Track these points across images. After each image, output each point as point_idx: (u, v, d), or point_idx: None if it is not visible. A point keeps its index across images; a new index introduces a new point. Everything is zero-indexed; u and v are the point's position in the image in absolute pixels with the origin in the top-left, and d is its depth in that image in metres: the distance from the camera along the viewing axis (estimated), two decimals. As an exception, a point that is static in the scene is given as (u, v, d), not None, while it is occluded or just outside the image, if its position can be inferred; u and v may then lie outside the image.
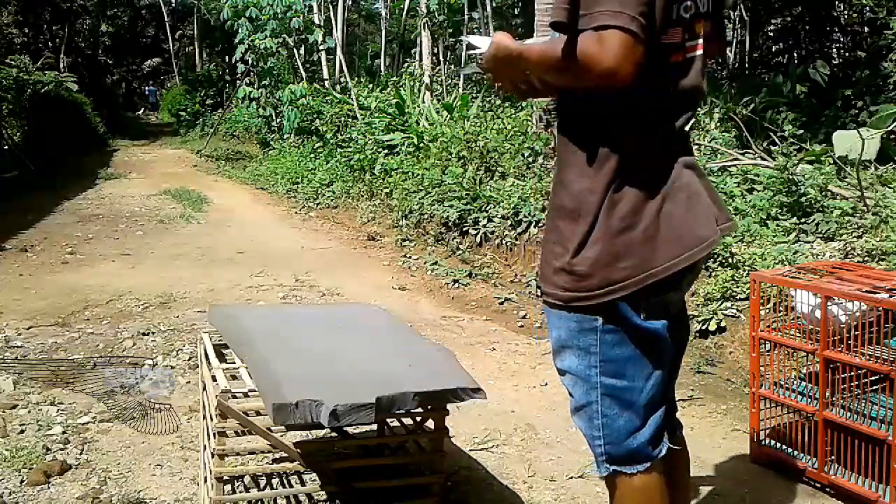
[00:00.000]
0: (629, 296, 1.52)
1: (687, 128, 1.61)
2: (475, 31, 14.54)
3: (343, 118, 11.00)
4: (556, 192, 1.61)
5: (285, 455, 2.12)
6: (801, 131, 6.60)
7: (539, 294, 1.66)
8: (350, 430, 2.40)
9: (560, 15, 1.43)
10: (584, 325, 1.55)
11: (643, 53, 1.37)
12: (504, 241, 5.93)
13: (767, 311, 2.87)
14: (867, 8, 9.40)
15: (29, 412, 3.13)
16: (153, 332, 4.24)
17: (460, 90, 11.01)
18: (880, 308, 2.35)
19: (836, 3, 11.30)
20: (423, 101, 10.28)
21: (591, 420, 1.61)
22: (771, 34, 13.78)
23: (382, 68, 16.16)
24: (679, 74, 1.53)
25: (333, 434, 2.35)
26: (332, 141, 10.45)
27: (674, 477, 1.71)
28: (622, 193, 1.50)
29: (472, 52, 1.93)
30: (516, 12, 15.56)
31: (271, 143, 13.53)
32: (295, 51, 13.98)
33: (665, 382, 1.65)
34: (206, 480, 2.21)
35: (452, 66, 12.96)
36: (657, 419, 1.63)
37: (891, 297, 2.33)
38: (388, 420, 2.37)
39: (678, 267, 1.53)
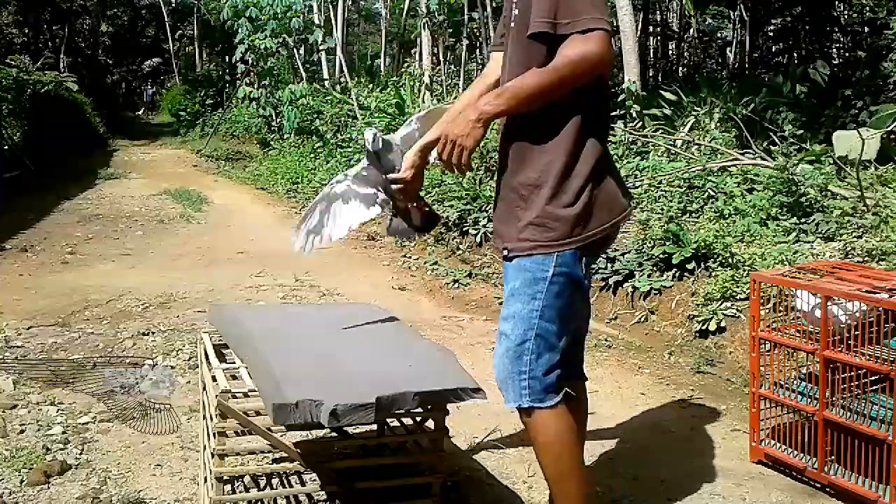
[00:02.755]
0: (577, 249, 1.88)
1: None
2: (474, 31, 14.52)
3: (343, 118, 11.01)
4: (515, 170, 1.91)
5: (285, 455, 2.12)
6: (801, 131, 6.61)
7: (502, 251, 1.96)
8: (350, 430, 2.40)
9: (544, 27, 1.76)
10: (537, 276, 1.88)
11: None
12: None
13: (767, 311, 2.87)
14: (867, 8, 9.40)
15: (29, 412, 3.13)
16: (153, 332, 4.24)
17: (460, 90, 11.01)
18: (880, 308, 2.35)
19: (836, 3, 11.31)
20: (423, 101, 10.29)
21: (521, 357, 1.90)
22: (771, 34, 13.79)
23: (382, 68, 16.16)
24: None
25: (333, 434, 2.35)
26: (332, 141, 10.46)
27: (575, 420, 2.02)
28: (577, 166, 1.86)
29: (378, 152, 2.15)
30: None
31: (271, 143, 13.52)
32: (295, 51, 13.99)
33: (579, 337, 2.11)
34: (206, 480, 2.21)
35: (452, 67, 12.95)
36: (567, 364, 1.99)
37: (891, 297, 2.33)
38: (388, 420, 2.37)
39: (610, 230, 1.93)
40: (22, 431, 2.94)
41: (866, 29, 10.80)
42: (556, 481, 1.96)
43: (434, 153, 2.00)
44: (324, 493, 2.24)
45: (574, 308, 1.96)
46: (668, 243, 4.56)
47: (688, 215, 5.26)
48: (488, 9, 12.55)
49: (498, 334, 1.96)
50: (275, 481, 2.43)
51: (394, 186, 2.15)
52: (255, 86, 14.53)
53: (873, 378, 2.41)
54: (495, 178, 2.10)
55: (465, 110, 1.87)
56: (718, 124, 7.48)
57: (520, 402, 1.92)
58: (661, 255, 4.56)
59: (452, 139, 1.85)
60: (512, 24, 1.90)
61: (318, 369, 2.03)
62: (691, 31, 17.75)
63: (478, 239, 6.20)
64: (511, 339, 1.91)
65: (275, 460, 2.45)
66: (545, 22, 1.76)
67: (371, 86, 12.46)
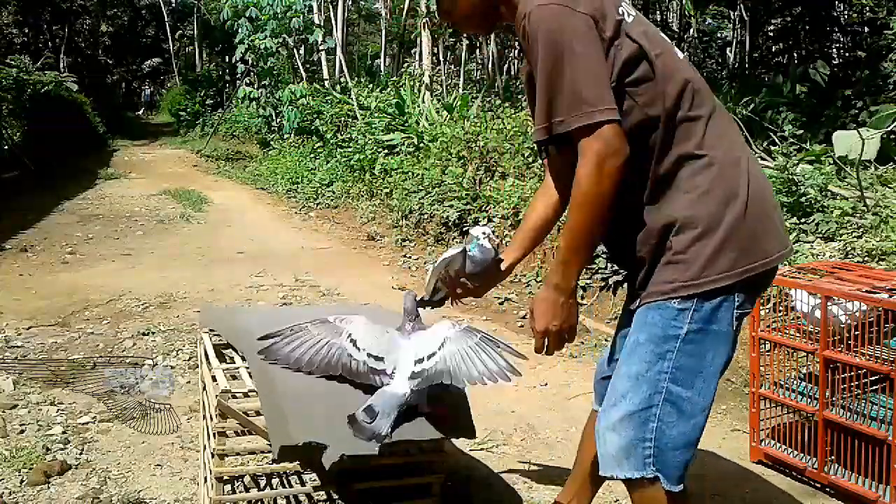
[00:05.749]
0: (726, 291, 1.58)
1: None
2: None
3: (343, 118, 11.00)
4: (654, 229, 1.64)
5: (285, 455, 2.11)
6: (801, 131, 6.60)
7: (635, 306, 1.69)
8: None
9: (540, 135, 1.60)
10: (669, 332, 1.60)
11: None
12: (504, 242, 5.94)
13: (767, 311, 2.87)
14: (867, 8, 9.40)
15: (29, 412, 3.13)
16: (153, 332, 4.24)
17: (460, 90, 11.01)
18: (880, 308, 2.35)
19: (836, 3, 11.30)
20: (423, 101, 10.27)
21: (647, 423, 1.61)
22: (771, 34, 13.77)
23: (382, 68, 16.14)
24: None
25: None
26: (332, 141, 10.45)
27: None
28: (717, 192, 1.60)
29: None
30: (516, 12, 15.52)
31: (271, 143, 13.52)
32: (295, 51, 13.98)
33: None
34: (206, 480, 2.21)
35: (452, 67, 12.93)
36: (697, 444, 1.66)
37: (891, 297, 2.33)
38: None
39: (774, 263, 1.63)
40: (22, 431, 2.94)
41: (866, 29, 10.80)
42: None
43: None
44: (324, 493, 2.24)
45: (718, 375, 1.64)
46: (668, 243, 4.56)
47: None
48: (488, 9, 12.52)
49: (608, 394, 1.70)
50: (275, 481, 2.43)
51: (458, 290, 2.03)
52: (255, 86, 14.54)
53: (873, 378, 2.41)
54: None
55: (545, 299, 1.64)
56: (718, 124, 7.46)
57: (643, 471, 1.61)
58: (661, 255, 4.56)
59: (552, 329, 1.65)
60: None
61: (322, 397, 1.96)
62: (691, 31, 17.75)
63: (478, 239, 6.19)
64: (632, 402, 1.62)
65: (275, 460, 2.45)
66: (541, 128, 1.60)
67: (371, 86, 12.44)
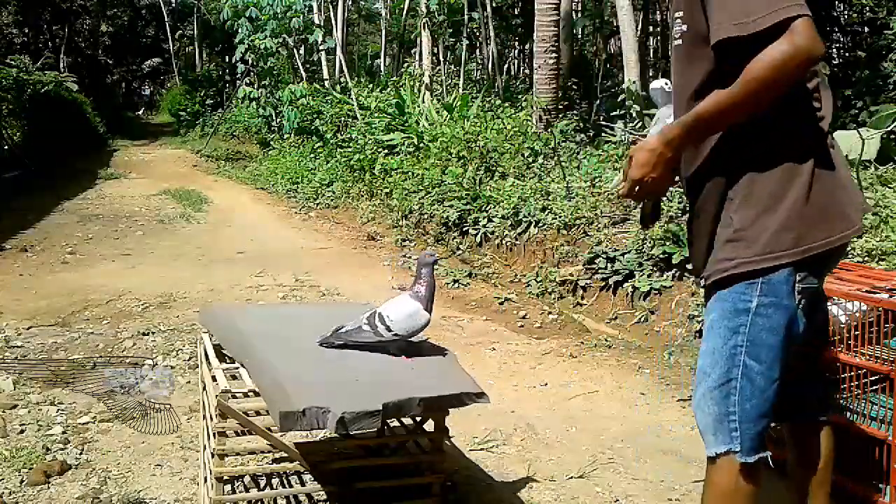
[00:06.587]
0: (789, 268, 1.59)
1: None
2: (474, 31, 14.44)
3: (343, 118, 11.00)
4: (714, 182, 1.66)
5: (285, 455, 2.12)
6: (801, 131, 6.59)
7: (701, 284, 1.78)
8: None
9: (734, 31, 1.50)
10: (739, 306, 1.62)
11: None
12: (504, 241, 5.94)
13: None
14: (867, 8, 9.40)
15: (29, 412, 3.13)
16: (153, 332, 4.24)
17: (460, 90, 11.01)
18: (880, 308, 2.35)
19: (836, 3, 11.30)
20: (423, 101, 10.27)
21: (729, 396, 1.65)
22: (771, 34, 13.77)
23: (382, 68, 16.14)
24: None
25: (334, 434, 2.35)
26: (332, 141, 10.46)
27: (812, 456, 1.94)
28: (793, 167, 1.60)
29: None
30: (516, 12, 15.56)
31: (271, 143, 13.53)
32: (295, 51, 13.99)
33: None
34: (206, 480, 2.21)
35: (452, 67, 12.93)
36: (771, 415, 1.70)
37: (891, 297, 2.33)
38: (389, 420, 2.37)
39: (836, 245, 1.63)
40: (22, 431, 2.94)
41: (866, 29, 10.81)
42: None
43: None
44: (324, 493, 2.24)
45: (785, 349, 1.65)
46: (667, 243, 4.56)
47: (688, 215, 5.25)
48: (488, 9, 12.54)
49: (697, 373, 1.73)
50: (275, 481, 2.43)
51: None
52: (255, 86, 14.54)
53: (873, 378, 2.41)
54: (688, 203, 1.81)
55: (652, 149, 1.65)
56: (718, 124, 7.45)
57: (730, 445, 1.66)
58: (661, 255, 4.56)
59: (647, 180, 1.66)
60: (678, 42, 1.66)
61: (322, 373, 2.02)
62: (691, 31, 17.72)
63: (478, 239, 6.19)
64: (712, 378, 1.67)
65: (275, 460, 2.45)
66: (735, 24, 1.50)
67: (371, 86, 12.45)
